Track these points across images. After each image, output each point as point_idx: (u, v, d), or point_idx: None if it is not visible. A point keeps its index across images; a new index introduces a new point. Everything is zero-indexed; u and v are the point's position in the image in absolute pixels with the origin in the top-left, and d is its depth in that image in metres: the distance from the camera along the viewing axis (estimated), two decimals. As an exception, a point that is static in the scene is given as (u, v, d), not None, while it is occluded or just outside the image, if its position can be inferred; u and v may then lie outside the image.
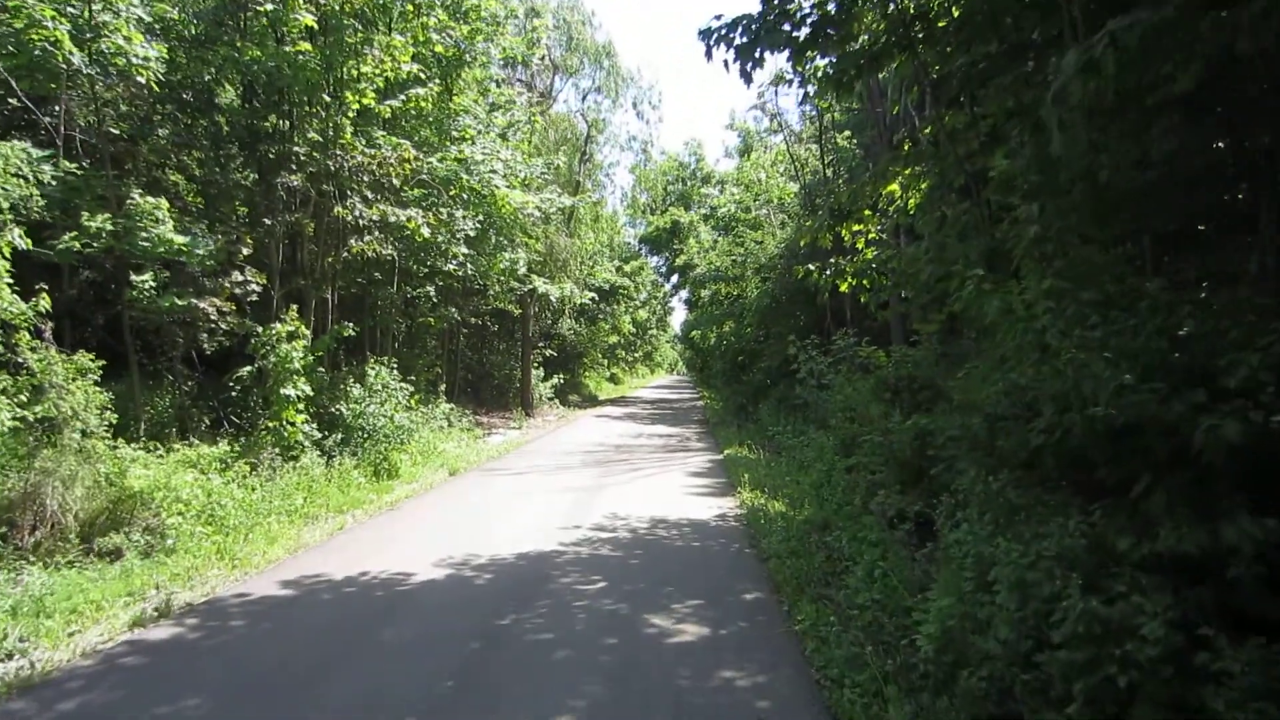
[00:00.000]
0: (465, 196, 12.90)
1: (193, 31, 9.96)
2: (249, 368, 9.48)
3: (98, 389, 6.79)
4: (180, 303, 8.60)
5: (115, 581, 5.44)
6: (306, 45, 9.88)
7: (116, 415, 7.11)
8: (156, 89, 9.10)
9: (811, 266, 7.89)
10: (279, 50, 9.68)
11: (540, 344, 25.82)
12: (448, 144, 12.98)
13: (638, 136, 38.09)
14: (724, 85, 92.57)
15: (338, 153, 10.64)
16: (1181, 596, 3.05)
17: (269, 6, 9.58)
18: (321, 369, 10.53)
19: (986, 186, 5.31)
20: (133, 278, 8.25)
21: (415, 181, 12.33)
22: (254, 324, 9.85)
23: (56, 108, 8.63)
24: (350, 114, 10.81)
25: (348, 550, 6.84)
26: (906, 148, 7.50)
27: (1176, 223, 4.06)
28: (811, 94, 14.61)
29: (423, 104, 11.91)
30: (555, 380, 25.99)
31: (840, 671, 3.96)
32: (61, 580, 5.32)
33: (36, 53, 7.32)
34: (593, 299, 27.96)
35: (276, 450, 8.81)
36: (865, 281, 7.54)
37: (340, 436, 10.16)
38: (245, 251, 9.88)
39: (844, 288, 7.82)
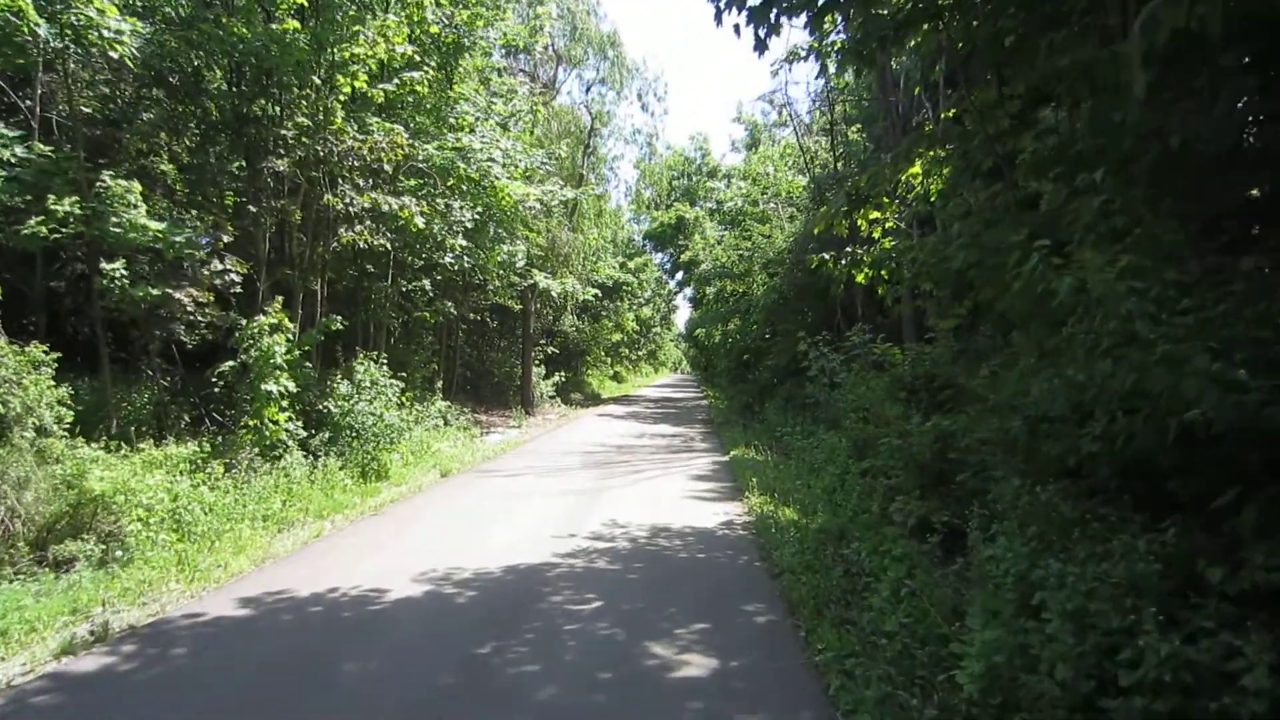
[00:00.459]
0: (464, 187, 12.41)
1: (181, 13, 9.51)
2: (231, 362, 9.01)
3: (52, 384, 6.30)
4: (155, 293, 8.13)
5: (59, 597, 4.90)
6: (295, 24, 9.41)
7: (82, 412, 6.63)
8: (134, 66, 8.64)
9: (826, 255, 7.40)
10: (266, 29, 9.21)
11: (542, 341, 25.37)
12: (445, 132, 12.50)
13: (642, 129, 37.12)
14: (730, 79, 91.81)
15: (328, 137, 10.16)
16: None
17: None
18: (309, 364, 10.06)
19: (1015, 170, 4.83)
20: (102, 265, 7.77)
21: (410, 170, 11.86)
22: (237, 316, 9.39)
23: (39, 90, 8.17)
24: (341, 98, 10.34)
25: (321, 561, 6.31)
26: (928, 128, 7.02)
27: (1265, 192, 3.52)
28: (831, 69, 14.03)
29: (419, 88, 11.42)
30: (557, 378, 25.50)
31: (871, 718, 3.43)
32: (0, 595, 4.80)
33: None
34: (596, 295, 27.50)
35: (256, 450, 8.30)
36: (884, 272, 7.10)
37: (327, 435, 9.68)
38: (225, 239, 9.38)
39: (860, 278, 7.39)
